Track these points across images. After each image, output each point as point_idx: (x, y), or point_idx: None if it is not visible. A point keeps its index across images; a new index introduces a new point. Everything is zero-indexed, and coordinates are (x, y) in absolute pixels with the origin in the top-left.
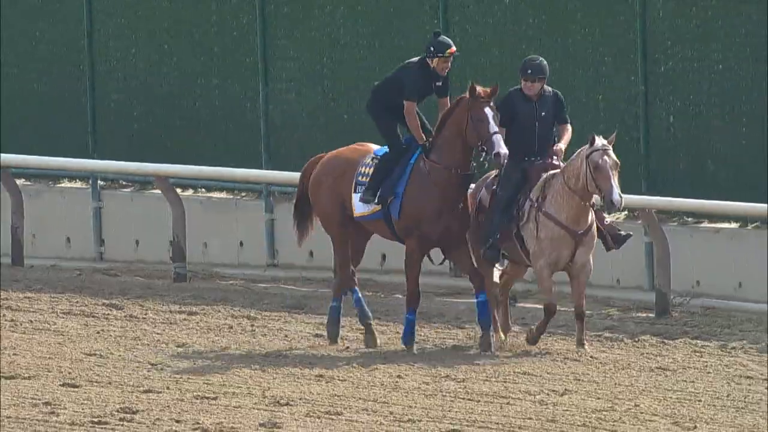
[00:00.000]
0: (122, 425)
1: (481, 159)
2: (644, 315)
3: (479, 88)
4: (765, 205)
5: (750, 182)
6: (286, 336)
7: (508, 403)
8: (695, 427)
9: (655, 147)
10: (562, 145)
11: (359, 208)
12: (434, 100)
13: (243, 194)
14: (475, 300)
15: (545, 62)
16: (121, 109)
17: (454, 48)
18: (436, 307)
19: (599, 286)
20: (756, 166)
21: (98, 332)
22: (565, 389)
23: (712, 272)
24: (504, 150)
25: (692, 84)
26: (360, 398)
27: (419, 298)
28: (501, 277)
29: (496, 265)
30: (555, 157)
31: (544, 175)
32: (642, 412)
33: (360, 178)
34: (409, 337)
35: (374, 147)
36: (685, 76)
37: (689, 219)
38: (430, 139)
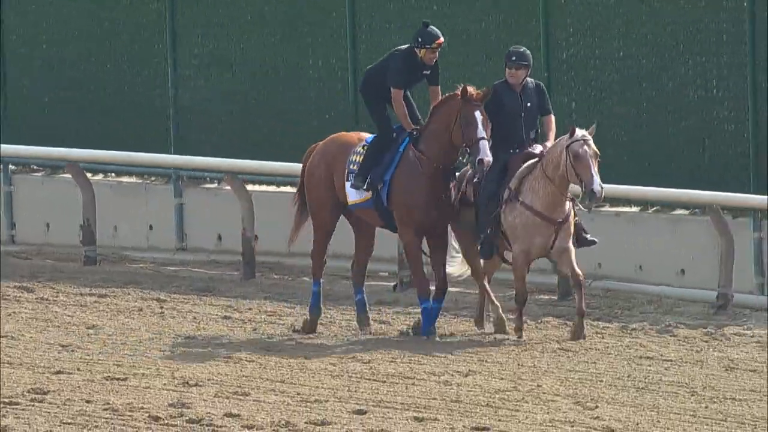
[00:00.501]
0: (33, 406)
1: (464, 160)
2: (547, 297)
3: (471, 90)
4: (665, 189)
5: (650, 167)
6: (194, 318)
7: (413, 384)
8: (597, 407)
9: (558, 133)
10: (549, 144)
11: (352, 195)
12: (426, 87)
13: (152, 179)
14: (429, 303)
15: (528, 51)
16: (32, 94)
17: (441, 39)
18: (343, 290)
19: (505, 269)
20: (656, 151)
21: (9, 314)
22: (469, 370)
23: (613, 255)
24: (488, 158)
25: (594, 71)
26: (267, 379)
27: (429, 286)
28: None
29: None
30: (536, 147)
31: (524, 165)
32: (544, 393)
33: (351, 167)
34: (428, 328)
35: (366, 135)
36: (586, 63)
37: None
38: (419, 128)
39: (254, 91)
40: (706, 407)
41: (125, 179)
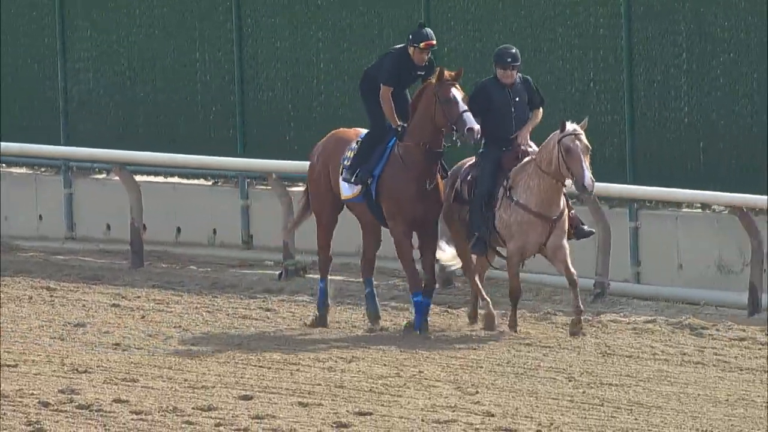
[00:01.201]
0: None
1: (453, 138)
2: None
3: (445, 72)
4: None
5: None
6: (84, 306)
7: (298, 370)
8: (477, 392)
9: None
10: (524, 130)
11: (345, 190)
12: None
13: (43, 170)
14: (421, 297)
15: (517, 49)
16: None
17: (432, 41)
18: (229, 278)
19: (387, 257)
20: (536, 144)
21: None
22: (353, 356)
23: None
24: (476, 126)
25: (474, 64)
26: (155, 366)
27: (421, 279)
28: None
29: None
30: (526, 145)
31: (518, 164)
32: (426, 378)
33: (345, 162)
34: (421, 323)
35: (362, 131)
36: (467, 56)
37: None
38: (404, 125)
39: (143, 84)
40: (584, 392)
41: (16, 170)
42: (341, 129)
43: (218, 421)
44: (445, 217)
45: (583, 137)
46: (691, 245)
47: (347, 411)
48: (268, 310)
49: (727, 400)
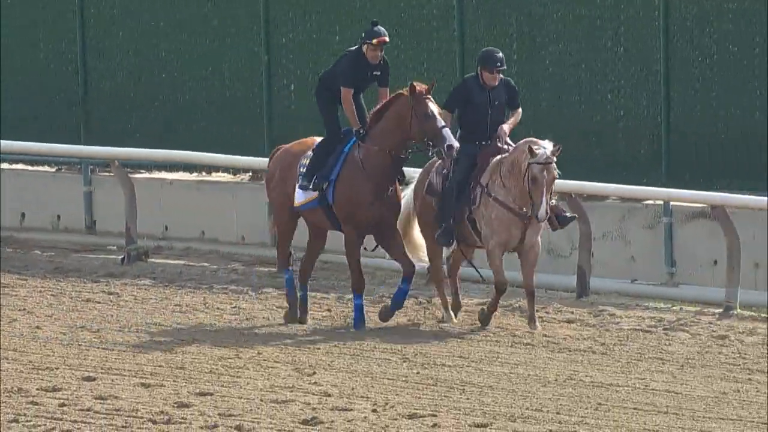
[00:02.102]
0: None
1: (429, 153)
2: (267, 269)
3: (419, 86)
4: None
5: None
6: None
7: (140, 352)
8: (314, 372)
9: (277, 113)
10: (506, 127)
11: (299, 197)
12: (375, 89)
13: None
14: (399, 284)
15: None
16: None
17: (385, 37)
18: (73, 263)
19: (227, 242)
20: None
21: None
22: (194, 338)
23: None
24: (456, 143)
25: (312, 55)
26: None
27: (364, 283)
28: (451, 255)
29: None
30: (504, 142)
31: (493, 160)
32: (265, 360)
33: (301, 169)
34: (359, 322)
35: (318, 139)
36: (304, 47)
37: None
38: (364, 129)
39: None
40: (418, 372)
41: None
42: (300, 140)
43: (62, 401)
44: (417, 211)
45: (553, 167)
46: None
47: (188, 392)
48: (110, 293)
49: (556, 379)
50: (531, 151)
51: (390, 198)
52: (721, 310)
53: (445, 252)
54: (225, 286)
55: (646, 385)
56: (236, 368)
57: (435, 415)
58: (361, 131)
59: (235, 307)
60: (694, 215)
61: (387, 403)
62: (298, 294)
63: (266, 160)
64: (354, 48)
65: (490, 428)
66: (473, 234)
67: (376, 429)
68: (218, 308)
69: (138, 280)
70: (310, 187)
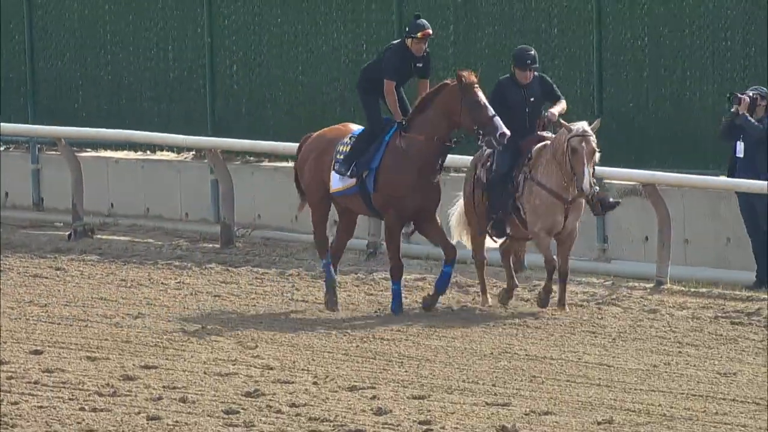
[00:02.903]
0: None
1: (479, 142)
2: (210, 245)
3: (466, 74)
4: None
5: (304, 123)
6: None
7: (86, 326)
8: (257, 346)
9: (220, 93)
10: (554, 110)
11: (335, 183)
12: (416, 81)
13: None
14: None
15: (535, 51)
16: None
17: (429, 30)
18: (20, 239)
19: (170, 219)
20: (305, 109)
21: None
22: (139, 313)
23: (271, 206)
24: (507, 131)
25: (254, 36)
26: None
27: (402, 269)
28: (502, 245)
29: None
30: (553, 125)
31: (535, 148)
32: (208, 333)
33: (338, 156)
34: (398, 307)
35: (354, 127)
36: (247, 29)
37: (251, 158)
38: (407, 118)
39: None
40: (357, 346)
41: None
42: (332, 126)
43: (10, 374)
44: (464, 204)
45: (591, 140)
46: (456, 209)
47: (133, 365)
48: (57, 269)
49: (492, 353)
50: (568, 128)
51: (431, 185)
52: (652, 284)
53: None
54: (169, 262)
55: (579, 358)
56: (180, 342)
57: (374, 388)
58: (404, 122)
59: (179, 282)
60: (626, 192)
61: (327, 376)
62: (326, 269)
63: (210, 139)
64: (396, 42)
65: (428, 400)
66: (519, 223)
67: (316, 401)
68: (163, 283)
69: (84, 255)
70: (348, 174)
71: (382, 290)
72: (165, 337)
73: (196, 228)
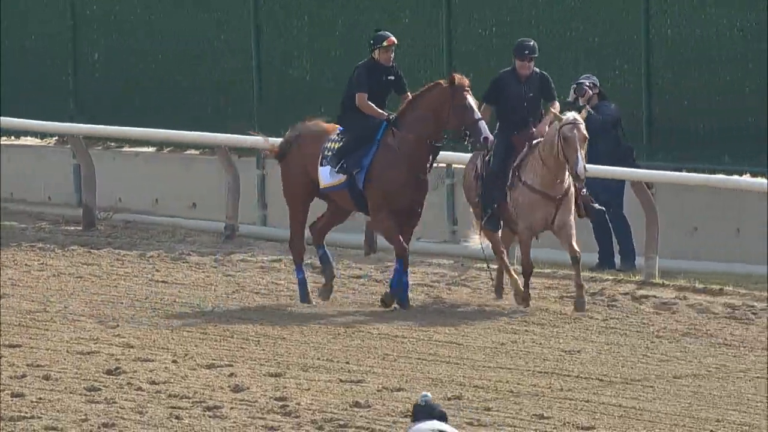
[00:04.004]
0: None
1: (465, 143)
2: (73, 228)
3: (458, 77)
4: (179, 132)
5: (194, 113)
6: None
7: None
8: (117, 325)
9: (81, 81)
10: (543, 125)
11: (326, 179)
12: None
13: None
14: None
15: (535, 42)
16: None
17: (392, 39)
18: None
19: (33, 202)
20: (180, 96)
21: None
22: (3, 293)
23: (132, 190)
24: (491, 136)
25: (118, 24)
26: None
27: (405, 247)
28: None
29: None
30: (543, 127)
31: (527, 148)
32: (71, 313)
33: (326, 153)
34: (404, 293)
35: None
36: (110, 18)
37: (113, 143)
38: (397, 114)
39: None
40: (215, 326)
41: None
42: (317, 122)
43: None
44: (466, 196)
45: (582, 127)
46: None
47: None
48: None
49: (345, 331)
50: (557, 117)
51: (420, 182)
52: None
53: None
54: (33, 244)
55: (430, 337)
56: (44, 321)
57: (232, 365)
58: (393, 118)
59: (42, 263)
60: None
61: (186, 354)
62: (318, 254)
63: (72, 125)
64: (363, 61)
65: (284, 377)
66: (512, 217)
67: (176, 378)
68: (27, 264)
69: None
70: (336, 170)
71: (241, 271)
72: (28, 316)
73: (58, 211)
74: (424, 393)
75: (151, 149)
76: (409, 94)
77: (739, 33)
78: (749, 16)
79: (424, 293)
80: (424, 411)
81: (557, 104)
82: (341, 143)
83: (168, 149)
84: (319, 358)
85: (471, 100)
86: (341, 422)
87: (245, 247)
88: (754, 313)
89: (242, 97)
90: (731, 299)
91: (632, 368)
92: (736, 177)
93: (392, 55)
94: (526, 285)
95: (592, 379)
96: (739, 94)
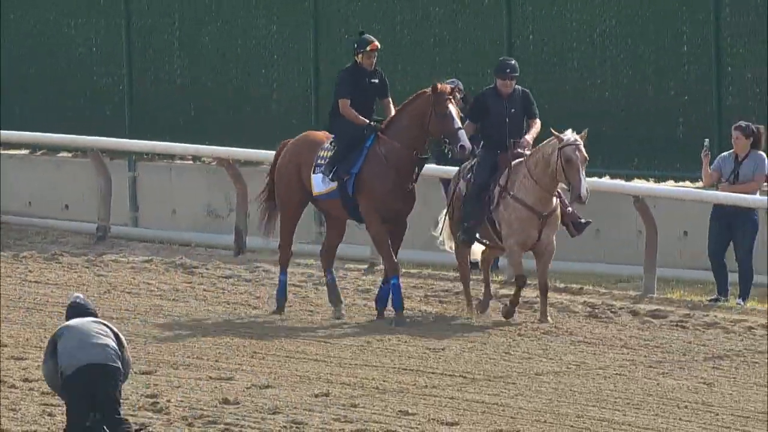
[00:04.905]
0: None
1: (445, 150)
2: None
3: (441, 86)
4: (52, 135)
5: (67, 116)
6: None
7: None
8: None
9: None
10: (529, 137)
11: (318, 187)
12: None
13: None
14: (393, 281)
15: (515, 62)
16: None
17: (376, 43)
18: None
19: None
20: (56, 101)
21: None
22: None
23: (5, 192)
24: (468, 144)
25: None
26: None
27: (398, 266)
28: (483, 253)
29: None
30: (522, 148)
31: (513, 163)
32: None
33: (319, 161)
34: (400, 301)
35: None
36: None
37: None
38: (382, 121)
39: None
40: None
41: None
42: (311, 131)
43: None
44: (448, 215)
45: (582, 148)
46: (184, 193)
47: None
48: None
49: (215, 330)
50: (557, 137)
51: (408, 194)
52: (366, 266)
53: (478, 251)
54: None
55: (298, 335)
56: None
57: None
58: (378, 124)
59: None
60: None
61: None
62: (327, 279)
63: None
64: (347, 66)
65: (155, 375)
66: (494, 235)
67: None
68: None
69: None
70: (330, 177)
71: (112, 271)
72: None
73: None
74: (76, 294)
75: (24, 152)
76: (390, 100)
77: (598, 39)
78: (606, 22)
79: (291, 293)
80: (76, 310)
81: (538, 122)
82: (333, 151)
83: (41, 152)
84: (189, 356)
85: (452, 108)
86: (211, 419)
87: (117, 248)
88: (613, 312)
89: (115, 101)
90: (591, 298)
91: (495, 365)
92: (596, 179)
93: (375, 60)
94: (517, 296)
95: (456, 376)
96: (598, 98)
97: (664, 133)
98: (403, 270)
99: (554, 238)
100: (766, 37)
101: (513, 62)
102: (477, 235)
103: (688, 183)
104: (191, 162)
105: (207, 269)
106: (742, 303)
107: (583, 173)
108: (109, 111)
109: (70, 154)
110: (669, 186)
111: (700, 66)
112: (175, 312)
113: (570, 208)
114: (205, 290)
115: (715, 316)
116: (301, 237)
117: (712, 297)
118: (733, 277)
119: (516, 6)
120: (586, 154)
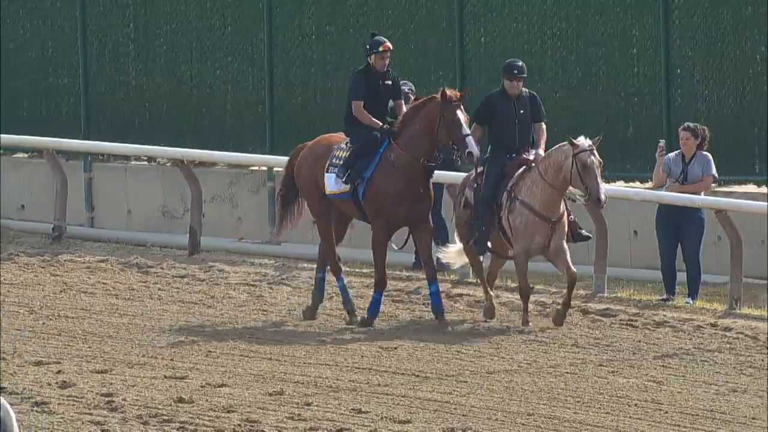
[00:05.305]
0: None
1: (453, 157)
2: None
3: (450, 92)
4: (9, 136)
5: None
6: None
7: None
8: None
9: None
10: (541, 152)
11: (330, 186)
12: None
13: None
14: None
15: (523, 63)
16: None
17: (388, 44)
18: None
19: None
20: (14, 102)
21: None
22: None
23: None
24: (476, 151)
25: None
26: None
27: (386, 282)
28: (490, 265)
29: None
30: (530, 153)
31: (520, 170)
32: None
33: (334, 161)
34: (373, 313)
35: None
36: None
37: None
38: (394, 124)
39: None
40: (44, 324)
41: None
42: (328, 134)
43: None
44: (456, 224)
45: (596, 153)
46: (139, 193)
47: None
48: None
49: (170, 329)
50: (573, 143)
51: (422, 196)
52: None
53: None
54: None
55: (252, 334)
56: None
57: (59, 363)
58: (387, 127)
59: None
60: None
61: (15, 352)
62: (317, 276)
63: None
64: (360, 67)
65: (110, 374)
66: (505, 242)
67: (4, 375)
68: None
69: None
70: (344, 180)
71: (68, 271)
72: None
73: None
74: None
75: None
76: (402, 102)
77: (549, 40)
78: (557, 24)
79: (246, 292)
80: None
81: (544, 127)
82: (348, 153)
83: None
84: (144, 355)
85: (460, 114)
86: (165, 417)
87: (73, 248)
88: None
89: (71, 102)
90: (542, 297)
91: (447, 364)
92: None
93: (388, 61)
94: (526, 307)
95: (408, 374)
96: (549, 99)
97: (614, 133)
98: (355, 269)
99: (564, 243)
100: (714, 39)
101: (521, 63)
102: (489, 245)
103: (638, 183)
104: (146, 163)
105: (162, 269)
106: (691, 302)
107: (600, 177)
108: (65, 112)
109: (26, 155)
110: (619, 186)
111: (650, 67)
112: (130, 311)
113: (573, 217)
114: (160, 290)
115: (665, 315)
116: (254, 236)
117: (662, 296)
118: (682, 277)
119: (467, 7)
120: (600, 159)
